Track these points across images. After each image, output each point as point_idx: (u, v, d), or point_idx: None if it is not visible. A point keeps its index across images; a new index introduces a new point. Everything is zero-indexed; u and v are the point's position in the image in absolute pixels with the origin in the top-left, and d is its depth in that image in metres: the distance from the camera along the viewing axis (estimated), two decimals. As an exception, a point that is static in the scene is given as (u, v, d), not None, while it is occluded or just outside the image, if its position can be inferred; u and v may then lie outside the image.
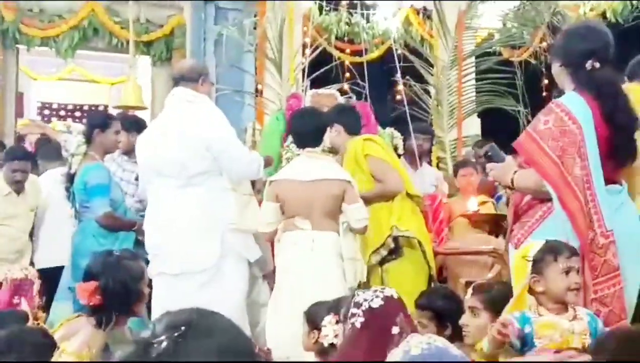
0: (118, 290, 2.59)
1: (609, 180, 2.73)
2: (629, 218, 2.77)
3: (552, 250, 2.50)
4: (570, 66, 2.80)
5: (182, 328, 1.07)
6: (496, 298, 2.80)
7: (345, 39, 7.99)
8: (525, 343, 2.43)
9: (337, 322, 2.56)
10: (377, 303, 2.41)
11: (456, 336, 2.90)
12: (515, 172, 2.80)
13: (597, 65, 2.75)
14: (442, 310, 3.11)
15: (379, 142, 4.24)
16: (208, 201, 3.68)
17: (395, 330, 2.33)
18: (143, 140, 3.92)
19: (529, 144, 2.71)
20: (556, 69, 2.87)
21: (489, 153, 2.98)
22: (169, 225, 3.68)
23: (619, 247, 2.67)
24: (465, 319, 2.84)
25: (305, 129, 3.74)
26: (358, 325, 2.37)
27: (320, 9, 7.93)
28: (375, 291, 2.45)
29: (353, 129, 4.18)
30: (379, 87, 6.51)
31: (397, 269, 4.00)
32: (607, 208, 2.66)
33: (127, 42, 7.06)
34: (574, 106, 2.69)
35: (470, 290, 2.89)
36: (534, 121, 2.79)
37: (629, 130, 2.75)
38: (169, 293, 3.63)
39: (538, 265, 2.51)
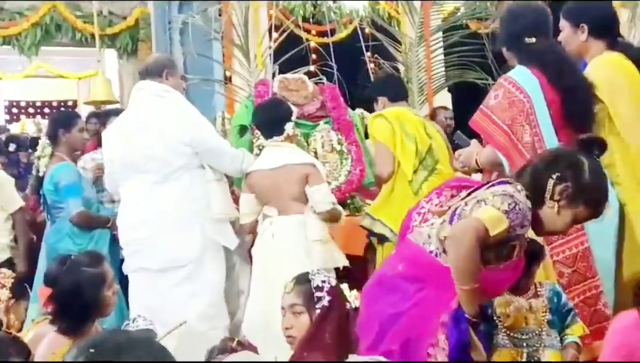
0: (71, 298, 2.49)
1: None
2: None
3: None
4: (512, 47, 2.96)
5: (91, 350, 1.08)
6: None
7: (312, 20, 7.93)
8: (490, 324, 2.48)
9: (299, 313, 2.55)
10: (333, 281, 2.47)
11: None
12: (479, 152, 2.87)
13: (533, 39, 2.89)
14: None
15: (389, 118, 4.24)
16: (186, 194, 3.72)
17: (348, 305, 2.39)
18: (113, 136, 3.88)
19: (482, 120, 2.85)
20: (505, 53, 3.04)
21: (456, 141, 3.08)
22: (149, 220, 3.69)
23: None
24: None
25: (267, 120, 3.90)
26: (327, 304, 2.42)
27: (286, -10, 7.87)
28: (319, 272, 2.50)
29: (396, 97, 4.34)
30: (348, 68, 6.48)
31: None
32: None
33: (92, 36, 6.98)
34: (520, 78, 2.83)
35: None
36: (486, 97, 2.90)
37: (579, 93, 2.84)
38: (150, 289, 3.65)
39: None
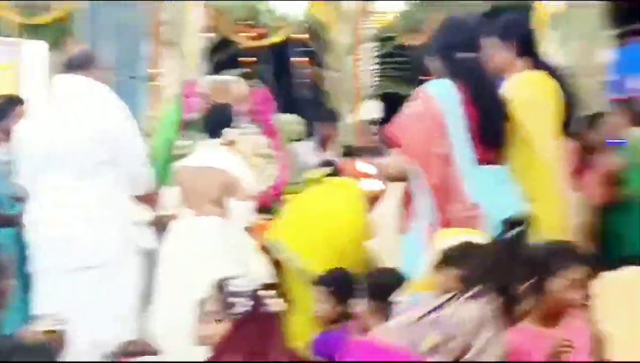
0: None
1: (484, 161, 2.88)
2: (507, 197, 2.91)
3: (454, 254, 2.57)
4: (442, 59, 3.00)
5: None
6: None
7: (246, 23, 7.89)
8: None
9: (218, 320, 2.51)
10: (253, 286, 2.46)
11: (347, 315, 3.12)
12: (394, 161, 2.93)
13: (466, 55, 2.95)
14: (338, 288, 3.28)
15: None
16: (104, 191, 3.62)
17: (269, 308, 2.41)
18: (30, 130, 3.77)
19: (398, 130, 2.90)
20: (432, 63, 3.08)
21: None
22: (63, 217, 3.58)
23: (494, 224, 2.79)
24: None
25: (212, 121, 3.98)
26: (244, 310, 2.40)
27: (221, -10, 7.80)
28: (241, 277, 2.49)
29: None
30: (279, 72, 6.50)
31: None
32: (479, 186, 2.79)
33: (17, 27, 6.76)
34: (438, 91, 2.91)
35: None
36: (404, 107, 2.92)
37: (494, 113, 2.91)
38: (60, 290, 3.54)
39: (442, 259, 2.59)
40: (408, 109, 2.90)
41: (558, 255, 2.59)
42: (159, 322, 3.56)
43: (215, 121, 3.97)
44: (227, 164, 3.81)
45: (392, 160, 2.99)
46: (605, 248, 4.19)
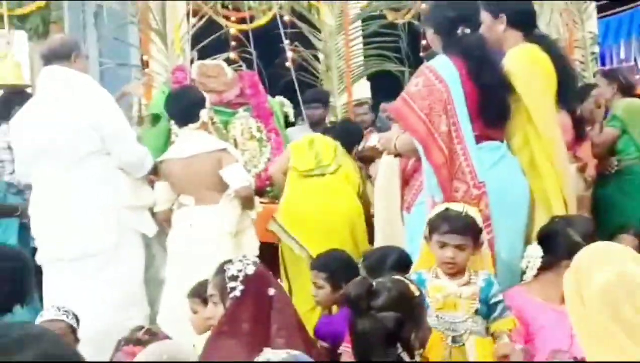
0: None
1: (484, 137, 2.86)
2: (508, 172, 2.91)
3: (434, 220, 2.62)
4: (441, 33, 2.99)
5: None
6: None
7: (231, 6, 7.83)
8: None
9: (215, 303, 2.54)
10: (251, 269, 2.48)
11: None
12: (398, 138, 2.91)
13: (467, 30, 2.94)
14: (334, 272, 3.21)
15: None
16: (100, 180, 3.64)
17: (271, 291, 2.44)
18: (21, 122, 3.76)
19: (402, 107, 2.89)
20: (430, 35, 3.08)
21: (378, 125, 3.13)
22: (62, 208, 3.59)
23: (496, 200, 2.81)
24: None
25: (179, 108, 3.86)
26: (239, 294, 2.42)
27: (204, -24, 7.72)
28: (241, 260, 2.50)
29: None
30: (267, 55, 6.45)
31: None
32: (479, 163, 2.80)
33: (2, 17, 6.65)
34: (441, 67, 2.89)
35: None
36: (407, 84, 2.92)
37: (495, 89, 2.91)
38: (64, 279, 3.55)
39: (427, 230, 2.63)
40: (412, 86, 2.89)
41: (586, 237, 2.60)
42: (168, 310, 3.56)
43: (188, 105, 3.83)
44: (211, 144, 3.78)
45: (396, 136, 2.98)
46: (602, 218, 4.25)
